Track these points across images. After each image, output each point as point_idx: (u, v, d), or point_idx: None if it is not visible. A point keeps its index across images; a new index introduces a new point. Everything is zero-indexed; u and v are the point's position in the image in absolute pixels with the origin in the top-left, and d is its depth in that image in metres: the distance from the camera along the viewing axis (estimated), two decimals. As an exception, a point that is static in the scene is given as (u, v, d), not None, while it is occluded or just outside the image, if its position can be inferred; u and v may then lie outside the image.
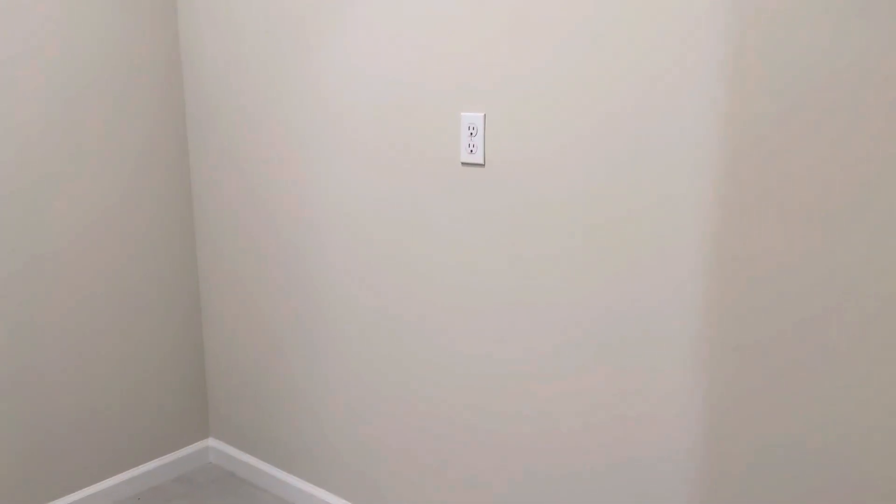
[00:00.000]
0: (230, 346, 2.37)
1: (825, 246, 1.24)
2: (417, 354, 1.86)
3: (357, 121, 1.85)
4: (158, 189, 2.25)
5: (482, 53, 1.59)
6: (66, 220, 2.05)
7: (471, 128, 1.62)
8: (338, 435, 2.10)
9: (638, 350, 1.48)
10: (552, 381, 1.62)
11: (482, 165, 1.63)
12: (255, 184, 2.14)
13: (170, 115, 2.24)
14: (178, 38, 2.23)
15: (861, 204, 1.19)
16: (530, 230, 1.58)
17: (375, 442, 2.01)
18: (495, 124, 1.59)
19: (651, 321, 1.45)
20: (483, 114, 1.60)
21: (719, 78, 1.29)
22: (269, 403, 2.28)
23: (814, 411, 1.29)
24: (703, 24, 1.30)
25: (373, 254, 1.89)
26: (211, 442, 2.51)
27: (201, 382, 2.46)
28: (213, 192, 2.28)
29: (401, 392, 1.92)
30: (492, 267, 1.66)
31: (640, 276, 1.45)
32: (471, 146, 1.63)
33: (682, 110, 1.34)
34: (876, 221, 1.19)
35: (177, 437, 2.42)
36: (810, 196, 1.24)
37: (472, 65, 1.61)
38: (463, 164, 1.66)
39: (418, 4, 1.67)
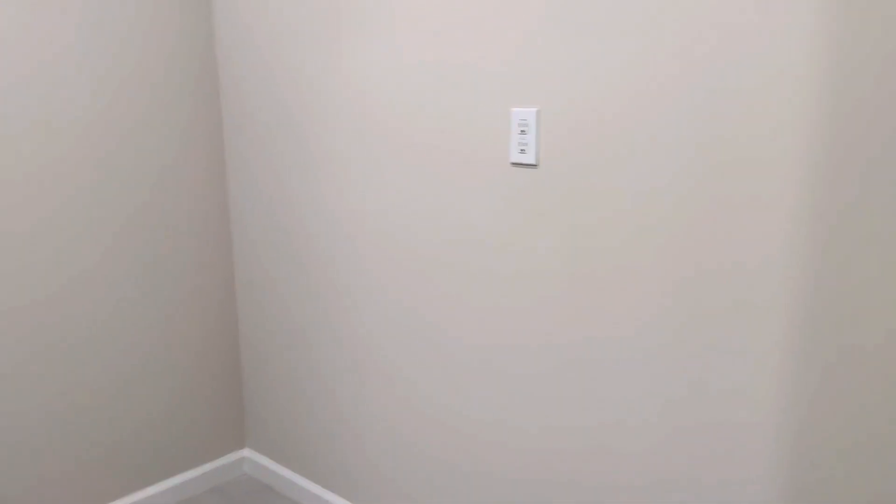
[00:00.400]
0: (267, 353, 2.27)
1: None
2: (464, 368, 1.72)
3: (397, 118, 1.73)
4: (193, 192, 2.16)
5: (534, 42, 1.45)
6: (99, 224, 1.97)
7: (522, 125, 1.48)
8: (378, 452, 1.99)
9: (715, 363, 1.32)
10: (614, 398, 1.47)
11: (534, 166, 1.49)
12: (290, 185, 2.04)
13: (205, 114, 2.15)
14: (214, 33, 2.14)
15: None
16: (588, 237, 1.44)
17: (418, 461, 1.89)
18: (550, 121, 1.45)
19: (729, 333, 1.29)
20: (536, 109, 1.46)
21: (810, 63, 1.13)
22: (307, 415, 2.18)
23: (920, 449, 1.12)
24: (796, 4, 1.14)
25: (413, 261, 1.77)
26: (246, 452, 2.42)
27: (237, 390, 2.37)
28: (249, 194, 2.18)
29: (446, 410, 1.79)
30: (544, 275, 1.52)
31: (719, 286, 1.29)
32: (522, 145, 1.49)
33: (770, 105, 1.18)
34: None
35: (211, 447, 2.34)
36: (920, 202, 1.07)
37: (523, 55, 1.47)
38: (513, 164, 1.53)
39: (465, -9, 1.54)
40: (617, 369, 1.45)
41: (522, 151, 1.50)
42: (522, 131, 1.49)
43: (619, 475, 1.49)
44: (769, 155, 1.19)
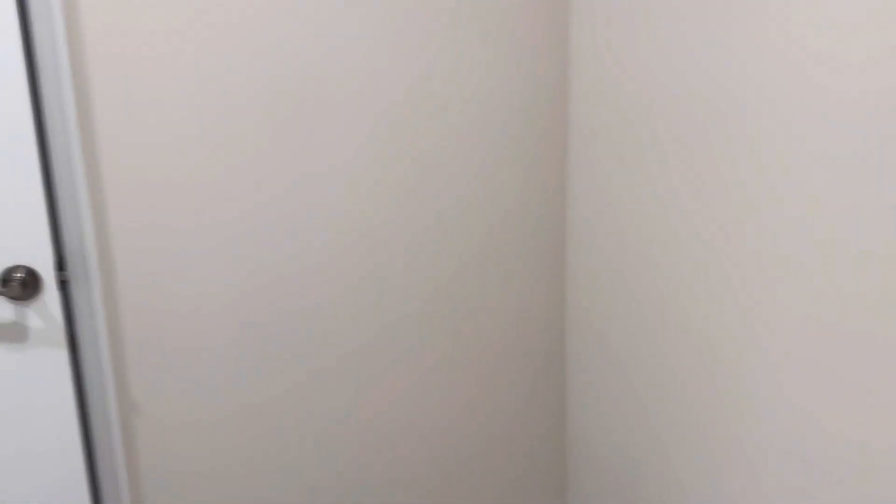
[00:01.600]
0: (595, 409, 1.85)
1: None
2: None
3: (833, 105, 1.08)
4: (529, 242, 1.82)
5: None
6: (430, 262, 1.74)
7: None
8: None
9: None
10: None
11: None
12: (660, 217, 1.54)
13: (552, 137, 1.75)
14: (568, 66, 1.69)
15: None
16: None
17: None
18: None
19: None
20: None
21: None
22: (641, 490, 1.73)
23: None
24: None
25: (827, 324, 1.14)
26: (567, 514, 2.06)
27: (560, 444, 2.01)
28: (589, 229, 1.74)
29: None
30: None
31: None
32: None
33: None
34: None
35: (528, 499, 2.04)
36: None
37: None
38: None
39: None
40: None
41: None
42: None
43: None
44: None
